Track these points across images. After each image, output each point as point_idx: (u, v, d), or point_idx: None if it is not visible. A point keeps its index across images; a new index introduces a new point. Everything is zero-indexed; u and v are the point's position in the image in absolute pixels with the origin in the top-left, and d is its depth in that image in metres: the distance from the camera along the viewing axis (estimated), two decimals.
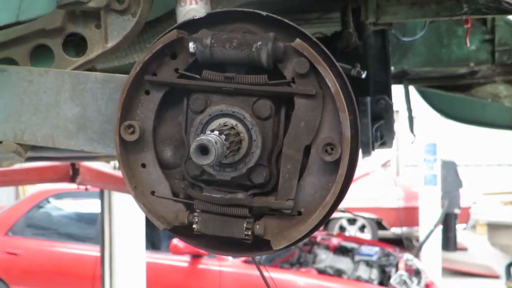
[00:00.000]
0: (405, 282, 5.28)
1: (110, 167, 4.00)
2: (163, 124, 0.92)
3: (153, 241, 5.78)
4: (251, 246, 0.89)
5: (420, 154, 7.69)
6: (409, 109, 2.43)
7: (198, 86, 0.87)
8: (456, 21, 2.38)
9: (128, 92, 0.89)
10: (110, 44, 1.14)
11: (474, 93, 2.38)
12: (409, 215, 8.72)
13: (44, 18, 1.14)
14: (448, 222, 7.76)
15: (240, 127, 0.85)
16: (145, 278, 4.60)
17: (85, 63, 1.16)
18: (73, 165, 3.89)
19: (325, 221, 0.87)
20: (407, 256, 6.08)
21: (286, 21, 0.84)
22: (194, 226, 0.88)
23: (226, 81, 0.86)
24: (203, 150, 0.75)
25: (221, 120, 0.85)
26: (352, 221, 9.39)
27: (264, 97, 0.85)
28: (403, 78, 2.40)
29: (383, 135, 1.64)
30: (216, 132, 0.78)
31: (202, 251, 5.35)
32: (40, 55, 1.18)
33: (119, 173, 3.98)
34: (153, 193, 0.92)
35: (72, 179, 3.96)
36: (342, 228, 9.35)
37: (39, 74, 1.12)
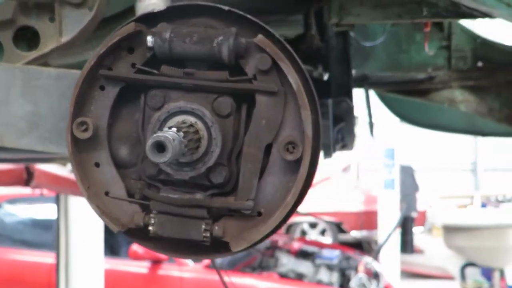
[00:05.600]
0: (364, 285, 5.35)
1: (66, 170, 3.88)
2: (119, 122, 0.88)
3: (112, 246, 5.64)
4: (210, 248, 0.86)
5: (379, 158, 7.83)
6: (370, 113, 2.45)
7: (156, 81, 0.84)
8: (414, 27, 2.43)
9: (82, 87, 0.85)
10: (64, 39, 1.09)
11: (432, 98, 2.43)
12: (369, 219, 8.87)
13: None
14: (405, 225, 7.92)
15: (199, 125, 0.82)
16: (104, 285, 4.47)
17: (37, 57, 1.10)
18: (27, 168, 3.75)
19: (285, 222, 0.85)
20: (366, 259, 6.17)
21: (249, 16, 0.82)
22: (150, 228, 0.84)
23: (185, 77, 0.83)
24: (160, 147, 0.72)
25: (180, 118, 0.82)
26: (313, 225, 9.46)
27: (225, 94, 0.83)
28: (364, 82, 2.42)
29: (344, 137, 1.65)
30: (174, 129, 0.75)
31: (162, 257, 5.26)
32: None
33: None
34: (107, 193, 0.87)
35: (27, 183, 3.82)
36: (303, 232, 9.41)
37: None
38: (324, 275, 5.73)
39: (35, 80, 1.05)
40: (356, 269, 5.87)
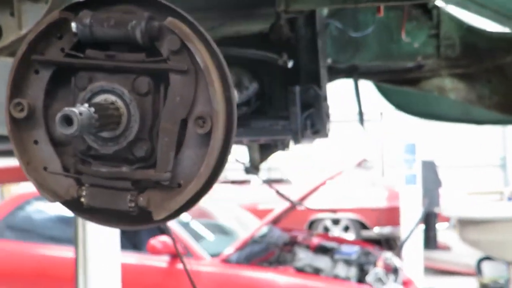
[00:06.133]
0: (380, 279, 5.32)
1: None
2: (55, 103, 0.96)
3: (135, 242, 5.80)
4: (138, 219, 0.93)
5: (400, 154, 7.76)
6: (359, 102, 2.48)
7: (82, 64, 0.91)
8: (405, 18, 2.45)
9: (17, 71, 0.93)
10: (23, 31, 1.18)
11: (422, 86, 2.44)
12: (392, 215, 8.79)
13: None
14: (428, 221, 7.81)
15: (119, 103, 0.89)
16: (120, 278, 4.61)
17: (0, 49, 1.20)
18: None
19: (205, 193, 0.91)
20: (386, 254, 6.13)
21: (162, 1, 0.89)
22: (82, 199, 0.92)
23: (107, 59, 0.90)
24: (68, 120, 0.79)
25: (102, 96, 0.90)
26: (336, 222, 9.44)
27: (143, 74, 0.90)
28: (353, 72, 2.45)
29: (314, 123, 1.69)
30: (86, 105, 0.82)
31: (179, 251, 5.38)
32: None
33: None
34: (45, 169, 0.96)
35: None
36: (326, 229, 9.40)
37: None
38: (341, 269, 5.71)
39: None
40: (375, 264, 5.83)
